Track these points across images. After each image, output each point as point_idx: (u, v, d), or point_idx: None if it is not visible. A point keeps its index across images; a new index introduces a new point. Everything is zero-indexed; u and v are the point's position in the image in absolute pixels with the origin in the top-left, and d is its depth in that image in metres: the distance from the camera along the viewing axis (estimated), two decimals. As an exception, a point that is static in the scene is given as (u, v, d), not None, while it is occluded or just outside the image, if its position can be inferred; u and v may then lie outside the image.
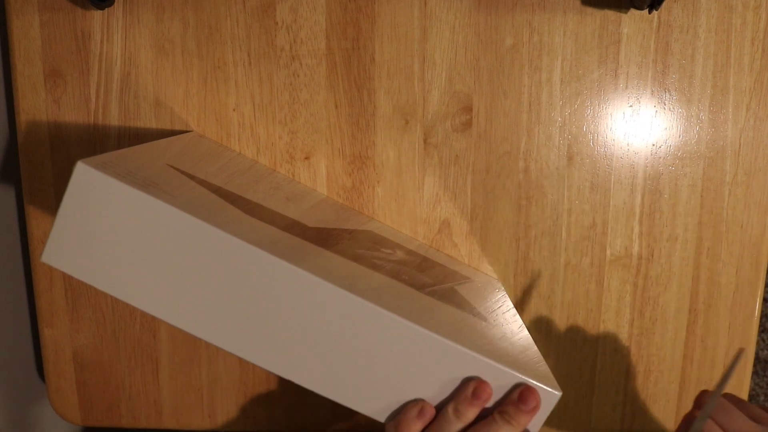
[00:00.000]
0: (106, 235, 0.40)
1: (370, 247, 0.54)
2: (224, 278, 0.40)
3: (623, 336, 0.64)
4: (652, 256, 0.63)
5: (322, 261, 0.44)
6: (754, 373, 1.39)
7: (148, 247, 0.40)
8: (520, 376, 0.42)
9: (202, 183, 0.48)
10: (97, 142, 0.61)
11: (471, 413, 0.42)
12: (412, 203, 0.62)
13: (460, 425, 0.42)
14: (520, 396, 0.42)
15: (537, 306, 0.64)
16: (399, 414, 0.43)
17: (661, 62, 0.59)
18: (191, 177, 0.48)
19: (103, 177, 0.40)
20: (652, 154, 0.61)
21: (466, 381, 0.42)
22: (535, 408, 0.42)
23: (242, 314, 0.41)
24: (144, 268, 0.41)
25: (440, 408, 0.43)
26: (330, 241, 0.50)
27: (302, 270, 0.40)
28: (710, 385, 0.65)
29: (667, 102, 0.60)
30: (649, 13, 0.58)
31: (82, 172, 0.40)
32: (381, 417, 0.44)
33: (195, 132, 0.60)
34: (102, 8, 0.58)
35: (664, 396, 0.66)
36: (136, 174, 0.42)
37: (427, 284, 0.51)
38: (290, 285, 0.40)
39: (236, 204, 0.47)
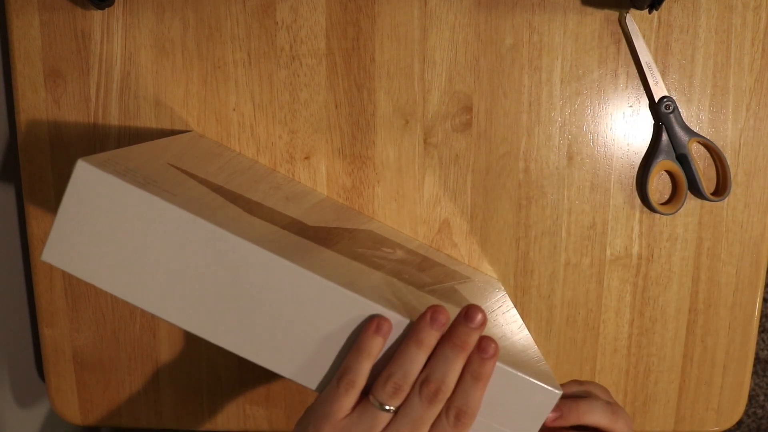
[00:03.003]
0: (106, 233, 0.40)
1: (371, 246, 0.54)
2: (224, 276, 0.40)
3: (623, 336, 0.64)
4: (652, 256, 0.63)
5: (323, 259, 0.44)
6: (754, 373, 1.39)
7: (148, 246, 0.40)
8: (521, 374, 0.42)
9: (203, 182, 0.48)
10: (97, 142, 0.61)
11: (433, 339, 0.40)
12: (412, 203, 0.62)
13: (423, 355, 0.40)
14: (466, 314, 0.40)
15: (537, 306, 0.64)
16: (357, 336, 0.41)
17: (661, 62, 0.59)
18: (191, 176, 0.48)
19: (104, 175, 0.40)
20: (652, 154, 0.61)
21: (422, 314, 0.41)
22: (482, 325, 0.40)
23: (243, 313, 0.41)
24: (144, 267, 0.41)
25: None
26: (330, 240, 0.50)
27: (302, 268, 0.40)
28: (710, 385, 0.66)
29: (667, 102, 0.60)
30: (649, 13, 0.58)
31: (83, 169, 0.40)
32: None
33: (195, 132, 0.60)
34: (102, 8, 0.58)
35: (664, 396, 0.66)
36: (136, 172, 0.42)
37: (427, 283, 0.51)
38: (291, 283, 0.40)
39: (236, 203, 0.47)
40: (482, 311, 0.41)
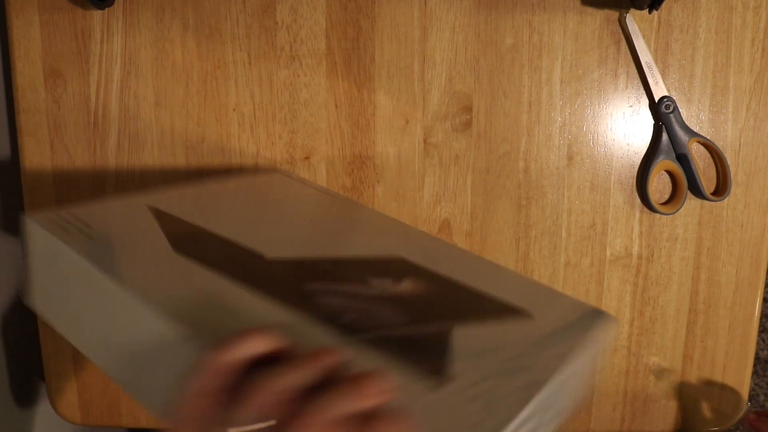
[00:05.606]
0: (53, 281, 0.42)
1: (354, 278, 0.42)
2: (121, 331, 0.38)
3: (623, 336, 0.64)
4: (652, 256, 0.63)
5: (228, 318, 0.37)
6: (754, 373, 1.38)
7: (70, 291, 0.41)
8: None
9: (179, 222, 0.45)
10: (97, 142, 0.61)
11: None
12: (412, 203, 0.62)
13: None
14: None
15: (537, 306, 0.64)
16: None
17: (661, 62, 0.59)
18: (177, 218, 0.45)
19: (37, 228, 0.42)
20: (652, 154, 0.61)
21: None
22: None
23: (141, 369, 0.37)
24: (73, 312, 0.42)
25: None
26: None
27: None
28: (710, 385, 0.65)
29: (667, 102, 0.60)
30: (649, 13, 0.58)
31: (28, 224, 0.42)
32: None
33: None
34: (102, 8, 0.58)
35: (664, 396, 0.66)
36: (90, 227, 0.43)
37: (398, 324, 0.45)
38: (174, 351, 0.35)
39: (185, 250, 0.42)
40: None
